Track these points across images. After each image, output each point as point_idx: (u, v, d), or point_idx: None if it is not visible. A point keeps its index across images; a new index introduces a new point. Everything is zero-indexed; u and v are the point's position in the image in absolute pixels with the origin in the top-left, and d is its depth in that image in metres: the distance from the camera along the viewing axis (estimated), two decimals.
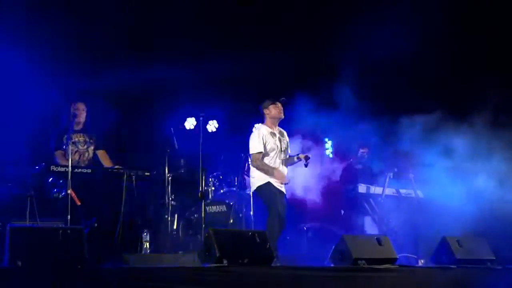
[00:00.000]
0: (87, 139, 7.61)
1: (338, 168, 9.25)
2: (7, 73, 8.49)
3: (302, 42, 9.84)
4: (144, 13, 9.16)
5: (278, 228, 7.06)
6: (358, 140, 9.07)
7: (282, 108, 7.36)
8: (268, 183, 7.18)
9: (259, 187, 7.26)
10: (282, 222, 7.16)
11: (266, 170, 7.17)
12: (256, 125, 7.39)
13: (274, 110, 7.33)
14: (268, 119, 7.38)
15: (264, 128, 7.32)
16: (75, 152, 7.46)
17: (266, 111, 7.37)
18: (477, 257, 7.27)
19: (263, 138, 7.23)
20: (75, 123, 7.59)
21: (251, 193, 7.66)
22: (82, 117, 7.64)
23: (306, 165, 7.25)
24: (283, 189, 7.32)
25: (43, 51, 8.69)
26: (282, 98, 7.40)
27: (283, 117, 7.39)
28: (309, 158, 7.23)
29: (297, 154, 7.34)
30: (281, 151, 7.30)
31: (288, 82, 9.37)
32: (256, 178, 7.29)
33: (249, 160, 7.42)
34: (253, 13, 9.77)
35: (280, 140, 7.35)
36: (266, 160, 7.22)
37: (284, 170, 7.31)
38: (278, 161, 7.26)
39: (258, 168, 7.19)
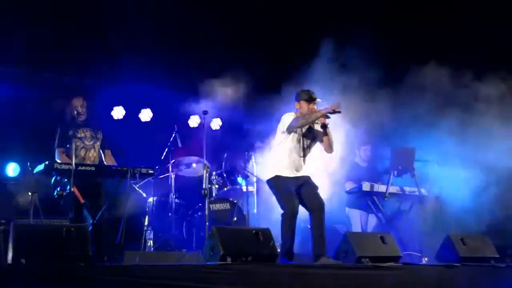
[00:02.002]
0: (93, 134, 7.55)
1: (342, 166, 9.22)
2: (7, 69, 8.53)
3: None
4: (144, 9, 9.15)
5: (293, 227, 6.69)
6: (361, 138, 9.04)
7: (315, 108, 6.92)
8: (277, 177, 6.88)
9: (269, 180, 6.97)
10: (314, 205, 6.77)
11: (305, 117, 6.77)
12: (288, 113, 7.00)
13: (305, 108, 6.94)
14: (299, 112, 7.00)
15: (295, 116, 6.92)
16: (81, 148, 7.41)
17: (297, 105, 7.02)
18: (481, 255, 7.27)
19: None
20: (79, 118, 7.53)
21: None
22: (83, 111, 7.56)
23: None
24: (298, 174, 6.90)
25: (43, 47, 8.72)
26: (318, 99, 6.99)
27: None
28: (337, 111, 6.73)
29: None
30: (305, 144, 6.95)
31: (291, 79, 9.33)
32: (267, 169, 7.02)
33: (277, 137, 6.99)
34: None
35: (307, 133, 6.98)
36: (286, 145, 6.87)
37: (305, 161, 6.93)
38: (299, 151, 6.90)
39: (299, 120, 6.77)
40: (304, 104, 6.96)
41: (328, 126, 6.88)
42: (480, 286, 6.52)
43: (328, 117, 6.83)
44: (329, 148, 6.99)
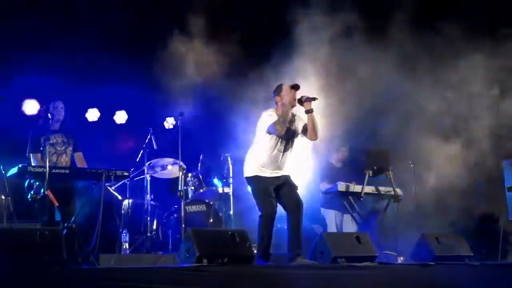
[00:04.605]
0: (65, 140, 7.51)
1: (317, 167, 9.26)
2: None
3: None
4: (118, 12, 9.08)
5: (270, 228, 6.67)
6: (337, 139, 9.08)
7: (295, 95, 6.82)
8: (256, 177, 6.78)
9: (248, 178, 6.90)
10: (292, 206, 6.75)
11: (279, 120, 6.68)
12: (267, 110, 6.90)
13: (286, 97, 6.81)
14: (279, 106, 6.87)
15: (275, 114, 6.82)
16: (53, 153, 7.36)
17: (277, 98, 6.89)
18: (455, 253, 7.35)
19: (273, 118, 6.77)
20: (53, 123, 7.48)
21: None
22: (60, 116, 7.53)
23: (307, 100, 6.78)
24: (279, 173, 6.83)
25: (17, 50, 8.64)
26: (295, 84, 6.88)
27: (296, 105, 6.85)
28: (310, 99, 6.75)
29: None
30: (287, 139, 6.84)
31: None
32: (247, 166, 6.91)
33: (257, 139, 6.87)
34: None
35: (287, 130, 6.82)
36: (267, 143, 6.79)
37: (285, 158, 6.85)
38: (280, 147, 6.79)
39: (282, 124, 6.67)
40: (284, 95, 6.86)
41: (313, 111, 6.78)
42: (455, 285, 6.56)
43: (315, 99, 6.78)
44: (314, 134, 6.85)
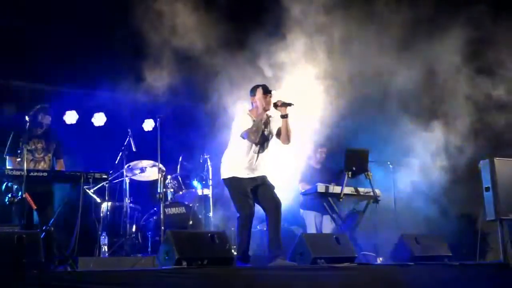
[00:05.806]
0: (45, 146, 7.44)
1: (297, 168, 9.26)
2: None
3: None
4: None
5: (248, 229, 6.72)
6: (317, 140, 9.09)
7: (271, 101, 6.89)
8: (233, 178, 6.81)
9: (225, 180, 6.92)
10: (271, 206, 6.79)
11: (252, 129, 6.73)
12: (242, 113, 6.95)
13: (261, 101, 6.88)
14: (254, 109, 6.94)
15: (250, 118, 6.86)
16: (31, 160, 7.29)
17: (252, 99, 6.96)
18: (434, 254, 7.40)
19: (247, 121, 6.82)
20: (37, 132, 7.41)
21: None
22: (43, 128, 7.47)
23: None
24: (255, 173, 6.87)
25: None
26: (272, 90, 6.97)
27: (269, 109, 6.94)
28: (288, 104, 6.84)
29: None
30: (261, 141, 6.88)
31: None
32: (223, 168, 6.94)
33: (232, 141, 6.93)
34: None
35: (262, 133, 6.88)
36: (242, 145, 6.82)
37: (261, 159, 6.89)
38: (255, 148, 6.84)
39: (255, 133, 6.73)
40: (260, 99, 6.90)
41: (288, 116, 6.87)
42: (434, 285, 6.60)
43: (291, 104, 6.85)
44: (287, 139, 6.96)
